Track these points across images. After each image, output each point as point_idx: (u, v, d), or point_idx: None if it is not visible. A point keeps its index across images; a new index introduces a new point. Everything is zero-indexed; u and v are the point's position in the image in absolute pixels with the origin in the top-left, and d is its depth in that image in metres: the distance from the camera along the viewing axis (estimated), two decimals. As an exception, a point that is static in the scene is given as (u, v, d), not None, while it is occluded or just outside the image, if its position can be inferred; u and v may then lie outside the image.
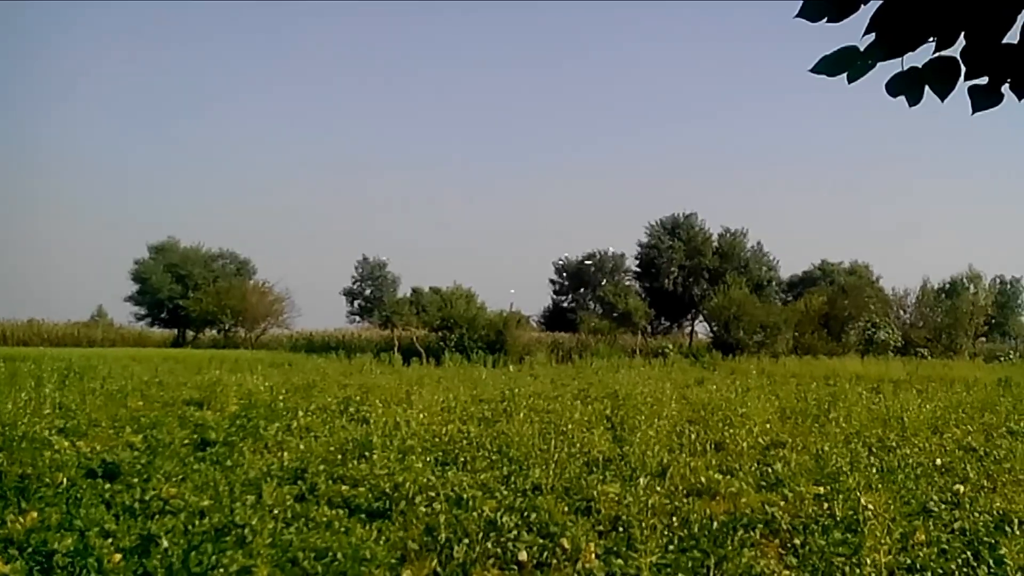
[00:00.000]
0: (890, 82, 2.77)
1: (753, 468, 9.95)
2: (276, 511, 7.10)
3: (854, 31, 2.67)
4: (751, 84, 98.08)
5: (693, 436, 11.71)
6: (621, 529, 7.17)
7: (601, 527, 7.36)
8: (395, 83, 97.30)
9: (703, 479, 9.09)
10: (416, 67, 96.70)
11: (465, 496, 7.80)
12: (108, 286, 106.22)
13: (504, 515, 7.18)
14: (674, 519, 7.33)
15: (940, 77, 2.68)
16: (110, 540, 6.17)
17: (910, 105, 2.78)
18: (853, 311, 44.50)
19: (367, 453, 9.81)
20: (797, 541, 6.92)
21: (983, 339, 50.67)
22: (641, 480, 8.49)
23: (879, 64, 2.76)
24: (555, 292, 57.33)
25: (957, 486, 8.80)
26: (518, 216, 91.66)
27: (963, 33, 2.57)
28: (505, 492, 8.21)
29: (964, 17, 2.57)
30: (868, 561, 6.15)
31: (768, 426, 13.01)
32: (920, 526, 7.18)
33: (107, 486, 8.03)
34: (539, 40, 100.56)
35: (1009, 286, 56.42)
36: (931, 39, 2.60)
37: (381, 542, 6.62)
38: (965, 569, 6.18)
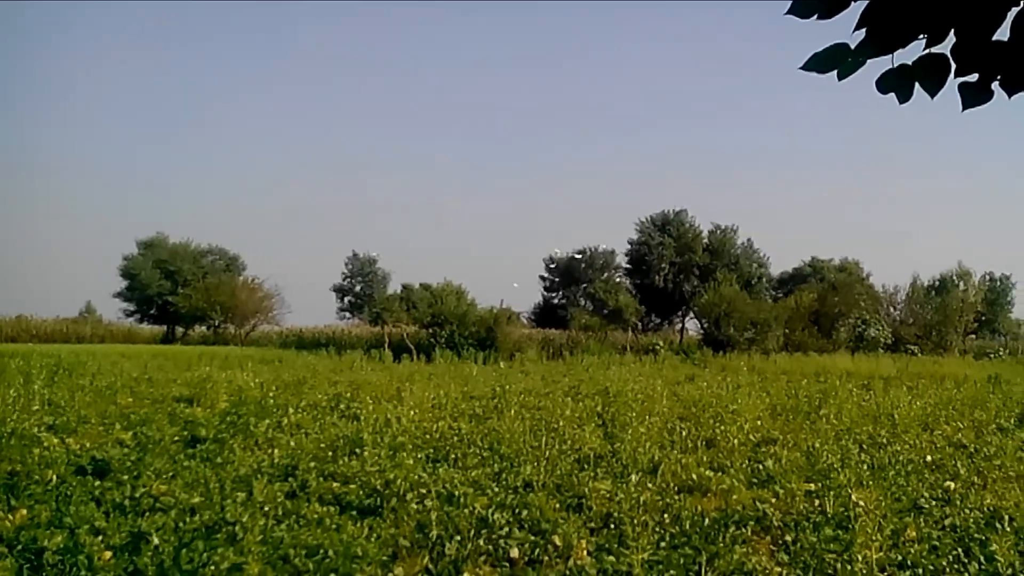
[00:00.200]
0: (880, 79, 2.77)
1: (744, 465, 9.97)
2: (267, 508, 7.09)
3: (844, 28, 2.67)
4: (743, 83, 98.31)
5: (684, 433, 11.74)
6: (613, 526, 7.18)
7: (593, 524, 7.37)
8: (390, 82, 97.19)
9: (694, 476, 9.11)
10: (414, 67, 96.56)
11: (456, 493, 7.79)
12: (97, 282, 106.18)
13: (495, 512, 7.18)
14: (665, 516, 7.34)
15: (930, 74, 2.68)
16: (100, 538, 6.14)
17: (900, 102, 2.79)
18: (843, 308, 44.62)
19: (358, 450, 9.79)
20: (788, 538, 6.94)
21: (973, 336, 50.90)
22: (632, 477, 8.51)
23: (869, 61, 2.76)
24: (546, 289, 57.20)
25: (947, 483, 8.84)
26: (509, 214, 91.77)
27: (953, 30, 2.58)
28: (496, 489, 8.21)
29: (954, 14, 2.57)
30: (859, 558, 6.17)
31: (759, 423, 13.04)
32: (911, 523, 7.21)
33: (97, 483, 8.00)
34: (536, 39, 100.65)
35: (999, 283, 56.64)
36: (921, 36, 2.60)
37: (372, 539, 6.61)
38: (956, 565, 6.21)
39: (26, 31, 79.78)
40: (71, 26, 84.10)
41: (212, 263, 58.18)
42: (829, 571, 6.19)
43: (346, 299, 52.75)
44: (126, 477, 8.17)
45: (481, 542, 6.58)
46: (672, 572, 6.08)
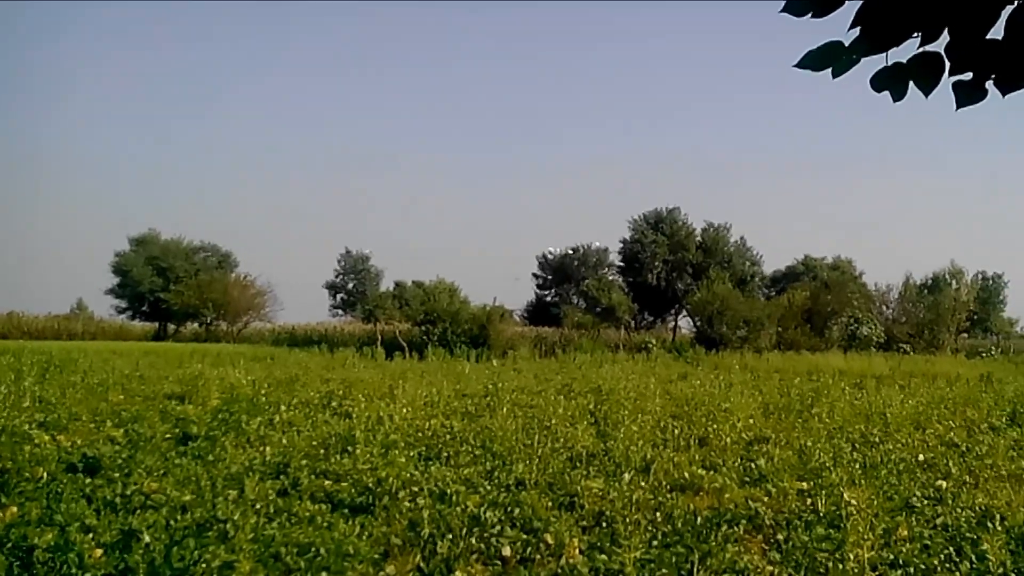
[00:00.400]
0: (875, 77, 2.77)
1: (737, 463, 9.98)
2: (258, 506, 7.06)
3: (839, 26, 2.67)
4: (736, 81, 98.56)
5: (677, 431, 11.74)
6: (605, 524, 7.18)
7: (585, 522, 7.37)
8: (383, 80, 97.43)
9: (687, 474, 9.11)
10: (407, 65, 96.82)
11: (448, 491, 7.78)
12: (89, 279, 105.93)
13: (488, 510, 7.17)
14: (658, 514, 7.34)
15: (924, 72, 2.68)
16: (91, 535, 6.11)
17: (894, 100, 2.79)
18: (836, 306, 44.76)
19: (350, 448, 9.76)
20: (780, 536, 6.95)
21: (965, 335, 51.13)
22: (625, 475, 8.51)
23: (864, 59, 2.76)
24: (538, 286, 57.23)
25: (939, 482, 8.84)
26: (502, 212, 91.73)
27: (947, 28, 2.57)
28: (488, 487, 8.19)
29: (949, 12, 2.56)
30: (851, 556, 6.18)
31: (751, 421, 13.04)
32: (903, 522, 7.22)
33: (88, 480, 7.96)
34: (531, 38, 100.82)
35: (991, 282, 56.91)
36: (916, 34, 2.60)
37: (364, 537, 6.59)
38: (947, 564, 6.22)
39: (26, 31, 79.63)
40: (69, 25, 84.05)
41: (204, 260, 58.04)
42: (821, 570, 6.20)
43: (339, 296, 52.75)
44: (117, 474, 8.14)
45: (473, 540, 6.58)
46: (664, 571, 6.07)
